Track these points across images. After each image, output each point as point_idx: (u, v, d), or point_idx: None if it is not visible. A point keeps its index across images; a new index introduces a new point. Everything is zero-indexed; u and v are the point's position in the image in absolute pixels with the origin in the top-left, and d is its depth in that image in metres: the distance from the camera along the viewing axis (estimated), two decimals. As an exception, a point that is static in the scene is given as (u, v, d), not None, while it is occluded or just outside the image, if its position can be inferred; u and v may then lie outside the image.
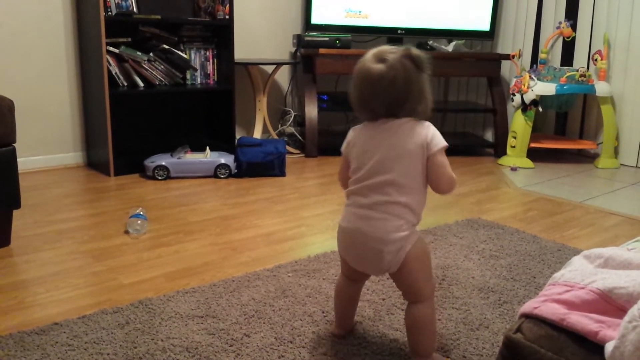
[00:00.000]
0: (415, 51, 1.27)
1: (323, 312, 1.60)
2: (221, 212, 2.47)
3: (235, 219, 2.39)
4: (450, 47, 3.94)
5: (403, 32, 3.87)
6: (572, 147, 3.69)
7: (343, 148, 1.41)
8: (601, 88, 3.42)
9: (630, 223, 2.47)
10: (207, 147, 3.08)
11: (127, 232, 2.17)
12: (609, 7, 3.55)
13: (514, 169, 3.41)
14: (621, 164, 3.55)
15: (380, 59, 1.27)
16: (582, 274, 0.83)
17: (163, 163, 2.93)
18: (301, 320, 1.55)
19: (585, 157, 3.74)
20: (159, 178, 2.92)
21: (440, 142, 1.27)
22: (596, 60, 3.54)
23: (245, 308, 1.60)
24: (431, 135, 1.27)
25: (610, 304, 0.75)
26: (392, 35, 3.90)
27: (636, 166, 3.51)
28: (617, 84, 3.53)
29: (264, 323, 1.52)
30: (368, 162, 1.29)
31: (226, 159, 3.04)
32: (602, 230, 2.38)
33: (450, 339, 1.49)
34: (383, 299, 1.69)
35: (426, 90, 1.29)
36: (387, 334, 1.50)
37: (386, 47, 1.29)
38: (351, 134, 1.39)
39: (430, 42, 4.00)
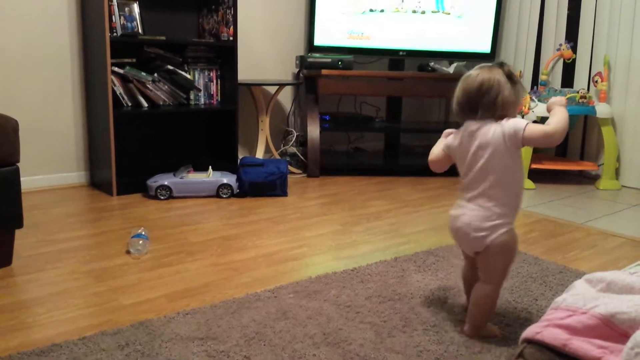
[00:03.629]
0: (513, 72, 1.56)
1: (324, 334, 1.59)
2: (223, 232, 2.47)
3: (236, 239, 2.39)
4: (451, 69, 3.97)
5: (405, 53, 3.90)
6: (573, 168, 3.70)
7: (446, 142, 1.70)
8: (602, 109, 3.44)
9: (632, 245, 2.47)
10: (210, 167, 3.10)
11: (128, 252, 2.17)
12: (609, 29, 3.58)
13: (515, 190, 3.41)
14: (622, 186, 3.55)
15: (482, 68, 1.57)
16: (584, 298, 0.82)
17: (165, 183, 2.94)
18: (302, 342, 1.54)
19: (586, 179, 3.74)
20: (162, 198, 2.93)
21: (516, 125, 1.49)
22: (597, 81, 3.56)
23: (246, 330, 1.59)
24: (511, 123, 1.50)
25: (613, 329, 0.75)
26: (393, 57, 3.93)
27: (638, 188, 3.51)
28: (618, 106, 3.55)
29: (264, 345, 1.51)
30: (465, 164, 1.60)
31: (228, 178, 3.04)
32: (604, 252, 2.37)
33: (452, 362, 1.48)
34: (384, 321, 1.68)
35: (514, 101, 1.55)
36: (388, 357, 1.49)
37: (498, 62, 1.59)
38: (450, 136, 1.68)
39: (432, 64, 4.03)
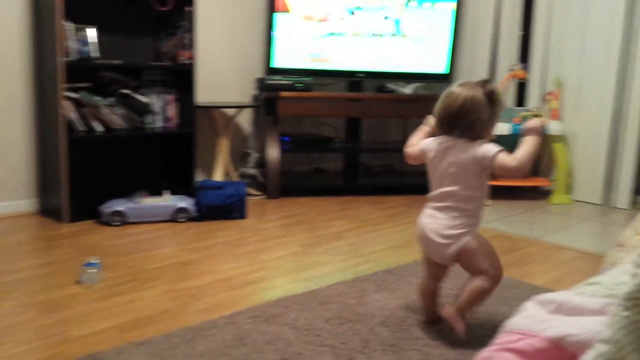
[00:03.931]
0: (494, 92, 1.61)
1: (282, 359, 1.56)
2: (179, 257, 2.43)
3: (193, 264, 2.34)
4: (409, 90, 4.03)
5: (363, 75, 3.95)
6: (527, 184, 3.78)
7: (422, 146, 1.75)
8: (554, 127, 3.54)
9: (584, 258, 2.52)
10: (166, 191, 3.05)
11: (80, 281, 2.10)
12: (560, 50, 3.70)
13: (473, 207, 3.45)
14: (574, 200, 3.64)
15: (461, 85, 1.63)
16: (535, 321, 0.83)
17: (119, 208, 2.87)
18: (260, 369, 1.52)
19: (540, 194, 3.82)
20: (115, 224, 2.86)
21: (487, 152, 1.57)
22: (548, 100, 3.66)
23: (202, 359, 1.55)
24: (483, 150, 1.58)
25: (562, 351, 0.75)
26: (352, 78, 3.97)
27: (589, 202, 3.60)
28: (569, 123, 3.65)
29: (220, 374, 1.49)
30: (436, 176, 1.68)
31: (185, 202, 3.00)
32: (558, 265, 2.42)
33: (410, 382, 1.48)
34: (344, 343, 1.67)
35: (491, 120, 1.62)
36: (346, 379, 1.48)
37: (480, 81, 1.64)
38: (430, 140, 1.73)
39: (390, 85, 4.09)
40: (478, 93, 1.58)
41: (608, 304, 0.80)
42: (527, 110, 3.57)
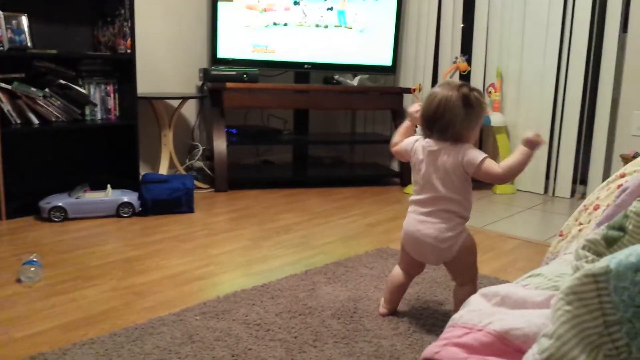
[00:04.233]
0: (473, 95, 1.58)
1: (233, 356, 1.54)
2: (124, 253, 2.35)
3: (139, 260, 2.28)
4: (355, 82, 4.05)
5: (309, 66, 3.93)
6: (473, 175, 3.87)
7: (406, 146, 1.73)
8: (496, 119, 3.63)
9: (527, 246, 2.61)
10: (109, 185, 2.95)
11: (19, 280, 2.01)
12: (501, 43, 3.80)
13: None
14: (517, 189, 3.76)
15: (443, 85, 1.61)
16: (480, 314, 0.83)
17: (59, 204, 2.76)
18: (210, 366, 1.48)
19: (483, 183, 3.92)
20: (56, 220, 2.75)
21: (474, 159, 1.56)
22: (490, 92, 3.75)
23: (149, 358, 1.51)
24: (469, 157, 1.57)
25: (508, 345, 0.76)
26: (298, 69, 3.95)
27: (531, 191, 3.72)
28: (511, 115, 3.76)
29: (169, 372, 1.44)
30: (421, 178, 1.66)
31: (129, 197, 2.91)
32: (502, 254, 2.48)
33: (362, 374, 1.48)
34: (295, 337, 1.66)
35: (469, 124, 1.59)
36: (299, 373, 1.47)
37: (458, 82, 1.62)
38: (413, 140, 1.71)
39: (336, 77, 4.09)
40: (453, 94, 1.56)
41: (551, 295, 0.82)
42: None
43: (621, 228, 0.81)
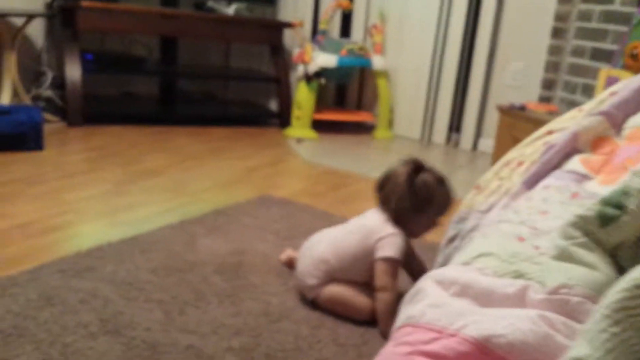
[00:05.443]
0: (422, 178, 1.40)
1: (101, 320, 1.33)
2: (-44, 199, 1.95)
3: (-23, 207, 1.90)
4: (230, 10, 3.72)
5: (180, -11, 3.53)
6: (352, 119, 3.81)
7: None
8: (377, 62, 3.55)
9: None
10: None
11: None
12: (383, -18, 3.68)
13: (299, 141, 3.38)
14: (395, 135, 3.76)
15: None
16: (448, 314, 0.68)
17: None
18: (74, 334, 1.27)
19: (363, 128, 3.88)
20: None
21: (382, 251, 1.41)
22: (372, 34, 3.65)
23: (1, 324, 1.27)
24: (378, 245, 1.42)
25: (489, 355, 0.62)
26: (168, -9, 3.53)
27: (407, 137, 3.74)
28: (392, 59, 3.70)
29: (26, 342, 1.21)
30: None
31: (-39, 129, 2.44)
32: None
33: (251, 335, 1.34)
34: (174, 297, 1.48)
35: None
36: (180, 339, 1.29)
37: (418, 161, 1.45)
38: None
39: (210, 4, 3.73)
40: (403, 170, 1.41)
41: (524, 287, 0.70)
42: (353, 44, 3.52)
43: (619, 206, 0.70)
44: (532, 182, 1.08)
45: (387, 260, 1.40)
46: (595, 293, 0.68)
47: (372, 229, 1.44)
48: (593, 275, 0.69)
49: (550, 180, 1.05)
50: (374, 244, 1.42)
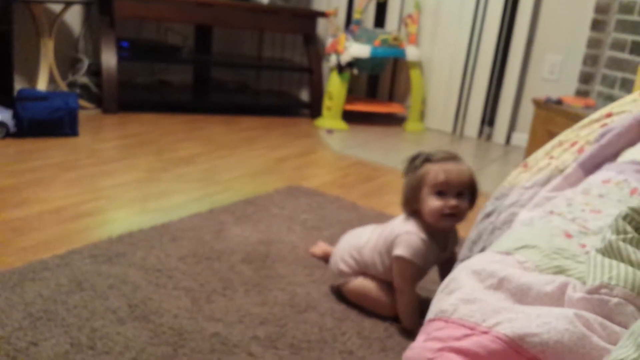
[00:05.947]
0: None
1: (130, 307, 1.35)
2: (-5, 182, 2.01)
3: (14, 190, 1.95)
4: (266, 0, 3.72)
5: (215, -22, 3.54)
6: (383, 110, 3.77)
7: None
8: (411, 52, 3.51)
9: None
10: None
11: None
12: (419, -28, 3.62)
13: (330, 132, 3.37)
14: (426, 128, 3.71)
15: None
16: (482, 310, 0.66)
17: None
18: (103, 319, 1.29)
19: (394, 120, 3.85)
20: None
21: (396, 248, 1.39)
22: (407, 24, 3.61)
23: (31, 308, 1.29)
24: (395, 242, 1.40)
25: (522, 354, 0.60)
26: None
27: (440, 130, 3.69)
28: (426, 49, 3.65)
29: (55, 326, 1.24)
30: None
31: (2, 115, 2.50)
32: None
33: (276, 325, 1.35)
34: (202, 285, 1.49)
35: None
36: (206, 326, 1.31)
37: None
38: None
39: (245, -7, 3.73)
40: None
41: (563, 284, 0.67)
42: (387, 34, 3.48)
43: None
44: (588, 165, 1.04)
45: (399, 259, 1.37)
46: (637, 295, 0.65)
47: (393, 227, 1.43)
48: (637, 276, 0.67)
49: (610, 173, 1.00)
50: (392, 242, 1.41)
